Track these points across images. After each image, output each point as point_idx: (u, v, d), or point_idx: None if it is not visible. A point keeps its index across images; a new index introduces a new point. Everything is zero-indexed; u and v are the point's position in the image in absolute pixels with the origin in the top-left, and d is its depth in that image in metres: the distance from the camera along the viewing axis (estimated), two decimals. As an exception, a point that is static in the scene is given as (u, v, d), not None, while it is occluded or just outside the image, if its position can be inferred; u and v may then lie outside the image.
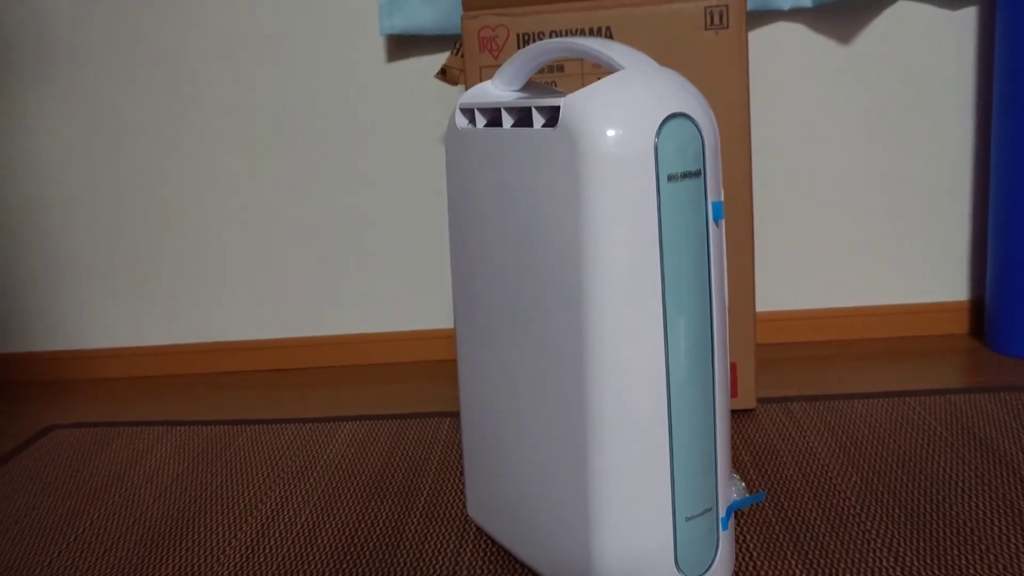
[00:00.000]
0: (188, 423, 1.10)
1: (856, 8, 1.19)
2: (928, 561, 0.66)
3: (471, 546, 0.74)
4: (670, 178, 0.55)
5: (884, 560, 0.67)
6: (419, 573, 0.70)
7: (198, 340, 1.34)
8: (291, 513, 0.82)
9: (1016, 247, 1.12)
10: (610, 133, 0.54)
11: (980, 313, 1.26)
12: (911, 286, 1.26)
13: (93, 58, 1.26)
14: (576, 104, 0.55)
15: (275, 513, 0.83)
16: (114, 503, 0.88)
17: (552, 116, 0.58)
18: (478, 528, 0.77)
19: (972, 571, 0.65)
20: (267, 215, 1.29)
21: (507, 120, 0.62)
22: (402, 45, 1.23)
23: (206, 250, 1.31)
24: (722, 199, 0.58)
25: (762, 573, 0.67)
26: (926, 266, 1.25)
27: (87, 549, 0.79)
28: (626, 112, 0.54)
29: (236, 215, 1.30)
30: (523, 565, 0.70)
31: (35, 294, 1.34)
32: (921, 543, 0.69)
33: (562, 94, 0.62)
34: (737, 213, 0.95)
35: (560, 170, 0.57)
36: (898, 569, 0.66)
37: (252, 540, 0.78)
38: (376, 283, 1.30)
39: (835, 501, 0.77)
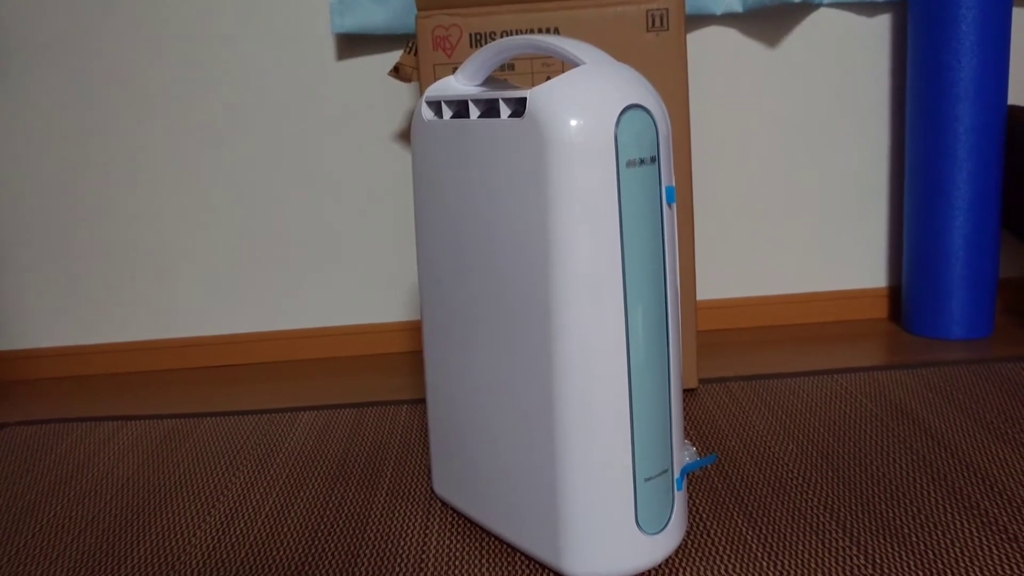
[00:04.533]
0: (143, 417, 1.10)
1: (782, 13, 1.27)
2: (860, 515, 0.73)
3: (438, 520, 0.77)
4: (628, 164, 0.60)
5: (821, 516, 0.73)
6: (389, 547, 0.73)
7: (149, 337, 1.33)
8: (257, 498, 0.84)
9: (928, 238, 1.21)
10: (573, 123, 0.59)
11: (897, 298, 1.35)
12: (835, 275, 1.35)
13: (41, 55, 1.25)
14: (542, 96, 0.59)
15: (241, 499, 0.84)
16: (75, 495, 0.88)
17: (518, 107, 0.63)
18: (444, 503, 0.80)
19: (899, 522, 0.72)
20: (220, 212, 1.30)
21: (474, 111, 0.66)
22: (352, 44, 1.25)
23: (156, 247, 1.31)
24: (673, 184, 0.64)
25: (712, 531, 0.72)
26: (848, 256, 1.34)
27: (54, 538, 0.79)
28: (588, 103, 0.59)
29: (187, 212, 1.30)
30: (490, 534, 0.74)
31: (-27, 294, 1.32)
32: (853, 500, 0.76)
33: (522, 88, 0.66)
34: (679, 207, 1.00)
35: (526, 158, 0.61)
36: (833, 523, 0.72)
37: (221, 524, 0.79)
38: (329, 278, 1.32)
39: (774, 467, 0.83)
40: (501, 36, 0.98)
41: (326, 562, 0.72)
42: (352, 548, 0.74)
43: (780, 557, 0.67)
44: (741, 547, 0.69)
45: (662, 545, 0.65)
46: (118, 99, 1.26)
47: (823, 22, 1.27)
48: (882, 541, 0.69)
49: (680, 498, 0.67)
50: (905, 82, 1.29)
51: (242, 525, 0.79)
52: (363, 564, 0.71)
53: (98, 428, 1.07)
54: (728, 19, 1.27)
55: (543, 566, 0.68)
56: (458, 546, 0.73)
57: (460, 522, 0.77)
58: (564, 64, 0.97)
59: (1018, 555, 0.66)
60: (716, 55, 1.28)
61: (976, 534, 0.69)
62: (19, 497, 0.89)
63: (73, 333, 1.33)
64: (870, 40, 1.28)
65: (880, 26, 1.28)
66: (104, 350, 1.33)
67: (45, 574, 0.73)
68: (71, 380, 1.32)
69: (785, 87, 1.29)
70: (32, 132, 1.27)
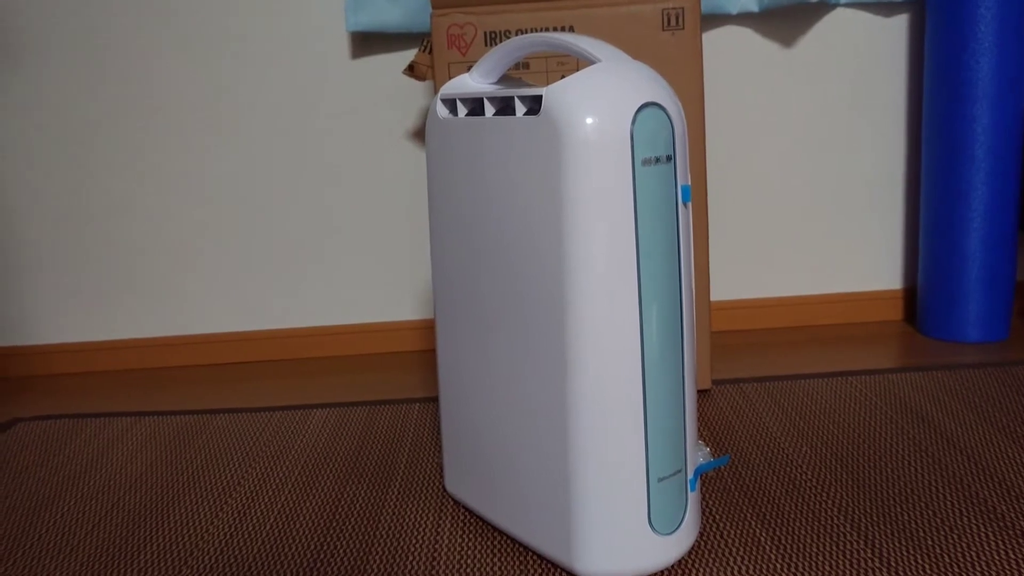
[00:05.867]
0: (156, 414, 1.11)
1: (798, 13, 1.26)
2: (875, 518, 0.72)
3: (450, 518, 0.77)
4: (644, 162, 0.59)
5: (835, 518, 0.73)
6: (401, 546, 0.73)
7: (162, 334, 1.34)
8: (270, 495, 0.84)
9: (944, 240, 1.20)
10: (589, 120, 0.58)
11: (913, 300, 1.34)
12: (850, 276, 1.34)
13: (54, 52, 1.26)
14: (557, 93, 0.59)
15: (254, 495, 0.85)
16: (89, 490, 0.89)
17: (534, 105, 0.62)
18: (456, 501, 0.80)
19: (914, 525, 0.71)
20: (232, 209, 1.30)
21: (489, 109, 0.66)
22: (366, 42, 1.26)
23: (169, 244, 1.32)
24: (689, 183, 0.63)
25: (725, 532, 0.72)
26: (863, 257, 1.34)
27: (68, 533, 0.79)
28: (604, 101, 0.59)
29: (200, 209, 1.31)
30: (502, 532, 0.74)
31: (-11, 289, 1.33)
32: (868, 503, 0.75)
33: (537, 86, 0.66)
34: (693, 207, 1.00)
35: (541, 156, 0.61)
36: (848, 526, 0.71)
37: (234, 520, 0.80)
38: (342, 276, 1.33)
39: (788, 469, 0.83)
40: (516, 34, 0.97)
41: (338, 559, 0.72)
42: (364, 545, 0.74)
43: (793, 559, 0.67)
44: (754, 549, 0.69)
45: (675, 546, 0.65)
46: (129, 97, 1.27)
47: (839, 22, 1.27)
48: (897, 544, 0.68)
49: (693, 499, 0.66)
50: (922, 82, 1.28)
51: (254, 521, 0.79)
52: (375, 562, 0.71)
53: (112, 424, 1.08)
54: (744, 18, 1.26)
55: (555, 565, 0.68)
56: (470, 544, 0.72)
57: (472, 520, 0.77)
58: (579, 62, 0.97)
59: (1036, 560, 0.65)
60: (731, 54, 1.27)
61: (993, 538, 0.68)
62: (34, 492, 0.89)
63: (87, 329, 1.34)
64: (887, 40, 1.27)
65: (897, 26, 1.27)
66: (117, 346, 1.33)
67: (59, 568, 0.73)
68: (85, 376, 1.33)
69: (801, 87, 1.28)
70: (43, 130, 1.28)
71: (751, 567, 0.66)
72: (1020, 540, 0.68)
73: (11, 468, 0.96)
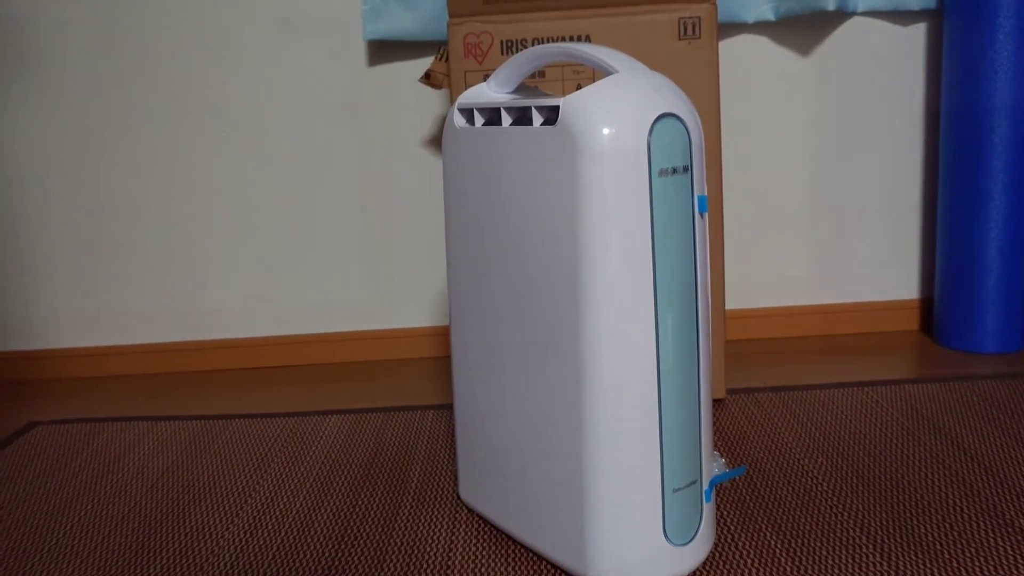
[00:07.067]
0: (172, 418, 1.11)
1: (815, 22, 1.26)
2: (891, 531, 0.72)
3: (464, 526, 0.77)
4: (661, 173, 0.60)
5: (851, 530, 0.72)
6: (415, 554, 0.73)
7: (176, 339, 1.35)
8: (285, 501, 0.85)
9: (961, 250, 1.19)
10: (606, 131, 0.58)
11: (929, 310, 1.33)
12: (866, 285, 1.33)
13: (72, 56, 1.27)
14: (575, 104, 0.59)
15: (269, 501, 0.85)
16: (106, 495, 0.89)
17: (551, 115, 0.63)
18: (470, 510, 0.80)
19: (931, 538, 0.70)
20: (247, 214, 1.31)
21: (506, 119, 0.66)
22: (383, 50, 1.26)
23: (186, 249, 1.33)
24: (706, 193, 0.63)
25: (740, 544, 0.71)
26: (880, 267, 1.33)
27: (84, 537, 0.80)
28: (621, 112, 0.59)
29: (216, 214, 1.31)
30: (516, 542, 0.74)
31: (6, 294, 1.34)
32: (884, 515, 0.75)
33: (554, 96, 0.66)
34: (708, 215, 1.00)
35: (558, 166, 0.61)
36: (864, 538, 0.71)
37: (249, 526, 0.80)
38: (357, 282, 1.33)
39: (803, 480, 0.82)
40: (532, 43, 0.98)
41: (352, 566, 0.72)
42: (378, 553, 0.74)
43: (808, 571, 0.67)
44: (769, 560, 0.69)
45: (690, 557, 0.65)
46: (148, 102, 1.28)
47: (856, 30, 1.26)
48: (913, 557, 0.68)
49: (708, 510, 0.66)
50: (939, 91, 1.28)
51: (270, 528, 0.80)
52: (389, 569, 0.71)
53: (129, 428, 1.09)
54: (760, 27, 1.26)
55: (569, 575, 0.68)
56: (484, 553, 0.72)
57: (486, 529, 0.77)
58: (595, 71, 0.97)
59: (1055, 575, 0.64)
60: (748, 63, 1.27)
61: (1011, 552, 0.68)
62: (51, 495, 0.90)
63: (103, 333, 1.35)
64: (904, 49, 1.27)
65: (915, 35, 1.27)
66: (134, 351, 1.34)
67: (76, 572, 0.74)
68: (102, 380, 1.34)
69: (817, 96, 1.28)
70: (61, 134, 1.29)
71: (766, 579, 0.66)
72: (1039, 554, 0.67)
73: (28, 472, 0.97)
